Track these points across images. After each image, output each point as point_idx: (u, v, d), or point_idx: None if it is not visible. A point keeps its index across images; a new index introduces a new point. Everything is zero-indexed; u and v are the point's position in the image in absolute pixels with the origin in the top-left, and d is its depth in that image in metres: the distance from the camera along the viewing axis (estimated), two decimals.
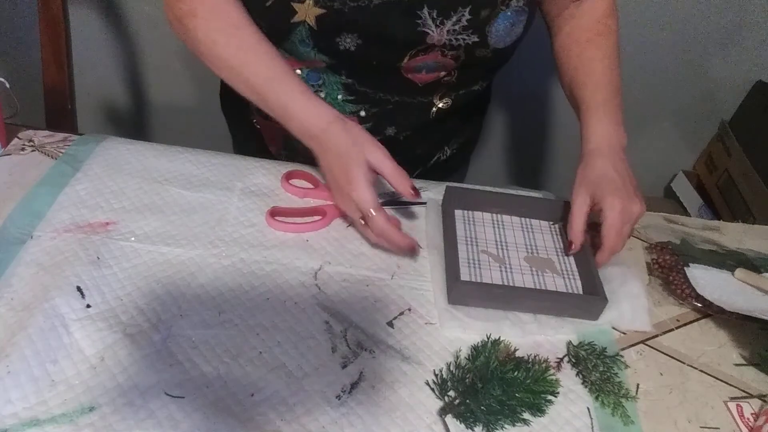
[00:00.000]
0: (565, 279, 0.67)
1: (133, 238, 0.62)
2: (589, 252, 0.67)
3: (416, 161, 0.89)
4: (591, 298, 0.63)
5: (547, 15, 0.80)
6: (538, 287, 0.65)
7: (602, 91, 0.71)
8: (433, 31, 0.66)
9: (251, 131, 0.87)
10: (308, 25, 0.66)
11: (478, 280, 0.65)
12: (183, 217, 0.66)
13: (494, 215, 0.74)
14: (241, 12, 0.66)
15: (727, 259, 0.73)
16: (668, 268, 0.70)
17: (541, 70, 1.28)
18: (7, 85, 0.72)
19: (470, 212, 0.74)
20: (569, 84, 0.76)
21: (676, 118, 1.60)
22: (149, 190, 0.68)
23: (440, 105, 0.78)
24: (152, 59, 1.50)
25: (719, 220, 0.90)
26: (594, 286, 0.63)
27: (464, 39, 0.67)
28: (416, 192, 0.63)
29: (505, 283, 0.65)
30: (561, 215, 0.74)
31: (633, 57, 1.40)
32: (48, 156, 0.70)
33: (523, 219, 0.74)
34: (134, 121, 1.63)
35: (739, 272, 0.71)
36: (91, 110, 1.57)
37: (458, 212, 0.73)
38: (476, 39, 0.67)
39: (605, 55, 0.74)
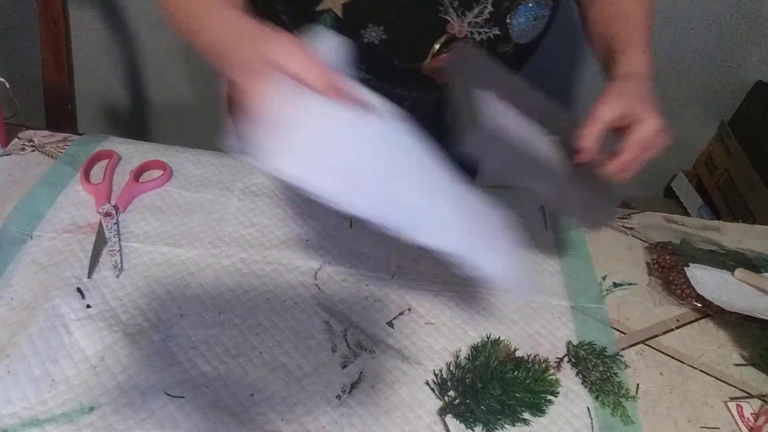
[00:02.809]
0: None
1: (133, 239, 0.62)
2: (593, 168, 0.58)
3: None
4: (605, 196, 0.57)
5: None
6: None
7: (644, 32, 0.68)
8: (453, 20, 0.66)
9: None
10: (334, 13, 0.65)
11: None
12: (183, 217, 0.66)
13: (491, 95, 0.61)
14: None
15: (727, 259, 0.73)
16: (668, 268, 0.70)
17: (552, 68, 1.28)
18: (7, 85, 0.72)
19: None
20: (605, 17, 0.71)
21: (676, 118, 1.60)
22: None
23: None
24: (152, 59, 1.50)
25: (719, 220, 0.90)
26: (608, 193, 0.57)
27: (486, 32, 0.67)
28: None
29: None
30: (562, 128, 0.63)
31: None
32: (48, 156, 0.70)
33: (520, 114, 0.63)
34: (134, 121, 1.63)
35: (739, 272, 0.71)
36: (91, 110, 1.57)
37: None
38: (498, 32, 0.67)
39: (643, 4, 0.70)
